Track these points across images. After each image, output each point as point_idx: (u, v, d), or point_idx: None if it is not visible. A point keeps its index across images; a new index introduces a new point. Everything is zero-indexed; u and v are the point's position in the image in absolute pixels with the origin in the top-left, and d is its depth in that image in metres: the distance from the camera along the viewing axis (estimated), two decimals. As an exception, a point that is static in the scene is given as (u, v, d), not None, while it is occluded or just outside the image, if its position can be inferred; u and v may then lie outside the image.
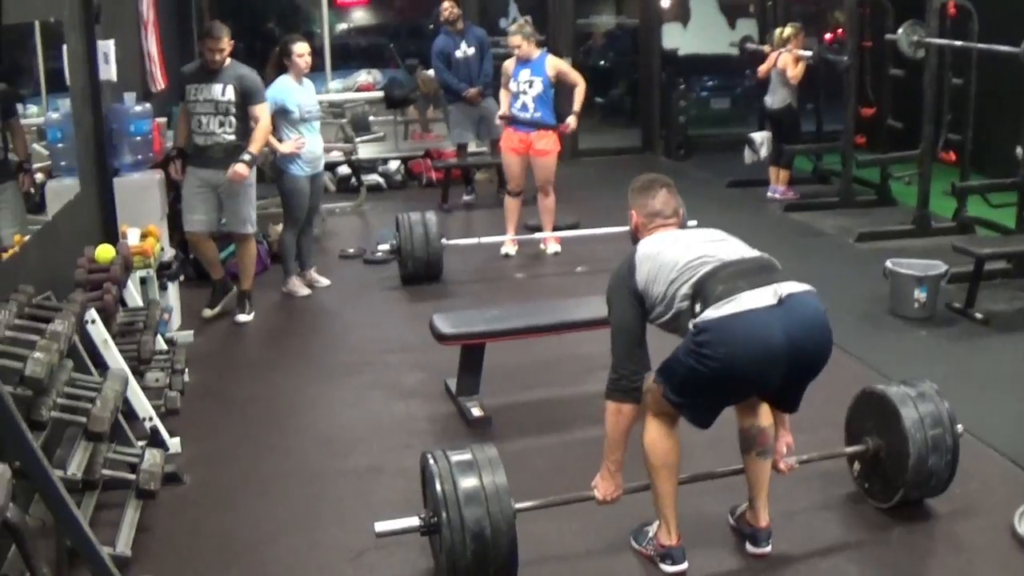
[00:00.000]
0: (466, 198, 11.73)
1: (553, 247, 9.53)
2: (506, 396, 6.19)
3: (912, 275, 7.72)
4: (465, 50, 11.04)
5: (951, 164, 10.59)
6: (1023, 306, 8.18)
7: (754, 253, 4.24)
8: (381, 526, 4.24)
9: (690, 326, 4.01)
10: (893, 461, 4.80)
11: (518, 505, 4.20)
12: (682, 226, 4.49)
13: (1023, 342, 7.43)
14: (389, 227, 9.43)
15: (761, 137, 11.92)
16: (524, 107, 8.94)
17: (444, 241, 8.65)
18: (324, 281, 8.62)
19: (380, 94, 12.96)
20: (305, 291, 8.37)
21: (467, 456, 4.23)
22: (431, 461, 4.23)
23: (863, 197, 11.66)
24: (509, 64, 9.09)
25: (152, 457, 4.78)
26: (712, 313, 3.93)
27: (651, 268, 4.16)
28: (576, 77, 9.12)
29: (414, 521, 4.25)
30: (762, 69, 11.82)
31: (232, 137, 7.40)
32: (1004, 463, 5.59)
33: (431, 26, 11.34)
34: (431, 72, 12.05)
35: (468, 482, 4.10)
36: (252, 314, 7.77)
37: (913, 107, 10.46)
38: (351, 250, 9.65)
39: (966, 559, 4.73)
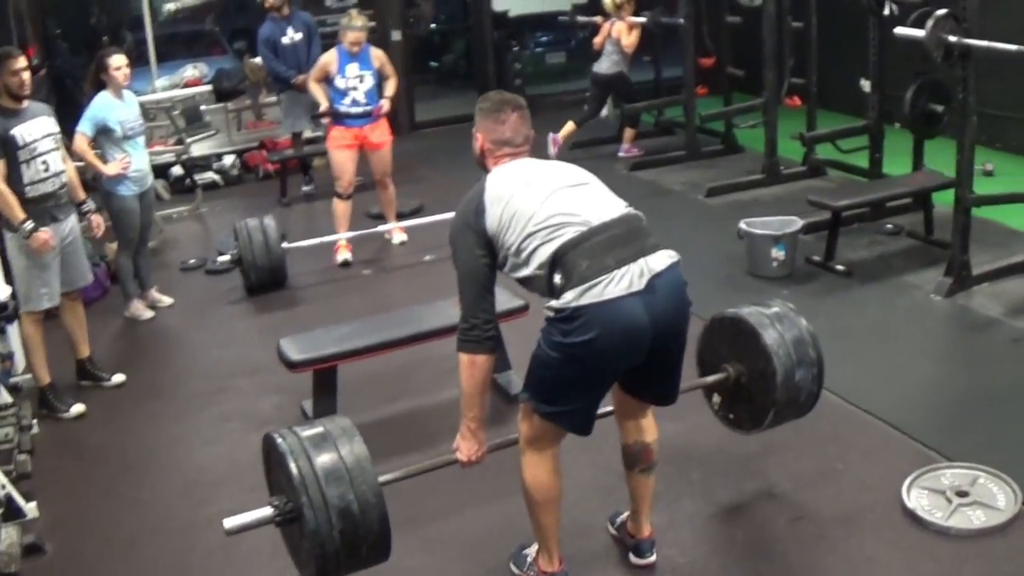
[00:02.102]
0: (305, 189, 11.31)
1: (399, 237, 9.22)
2: (367, 413, 5.86)
3: (768, 235, 7.64)
4: (292, 36, 10.63)
5: (796, 109, 10.57)
6: (883, 251, 8.21)
7: (619, 210, 3.91)
8: (231, 522, 3.80)
9: (550, 309, 3.76)
10: (758, 383, 4.58)
11: (382, 478, 3.85)
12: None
13: (888, 290, 7.44)
14: (229, 230, 8.98)
15: (600, 97, 11.87)
16: (355, 103, 8.53)
17: (285, 245, 8.26)
18: (167, 300, 8.14)
19: (208, 88, 12.48)
20: (148, 314, 7.90)
21: (319, 429, 3.84)
22: (279, 440, 3.77)
23: (709, 147, 11.58)
24: (331, 59, 8.59)
25: (8, 536, 4.53)
26: (575, 299, 3.67)
27: (503, 214, 3.83)
28: (391, 71, 8.76)
29: (267, 511, 3.80)
30: (597, 41, 11.41)
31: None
32: (884, 429, 5.55)
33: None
34: (258, 60, 11.61)
35: (326, 457, 3.70)
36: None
37: (753, 53, 10.41)
38: (192, 260, 9.16)
39: (857, 541, 4.62)
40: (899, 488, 4.89)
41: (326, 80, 8.58)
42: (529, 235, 3.78)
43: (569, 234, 3.74)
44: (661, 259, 3.83)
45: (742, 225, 7.79)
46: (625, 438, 4.36)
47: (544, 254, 3.75)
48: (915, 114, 8.60)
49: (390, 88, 8.68)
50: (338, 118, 8.54)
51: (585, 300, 3.68)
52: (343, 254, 8.82)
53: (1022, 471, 4.93)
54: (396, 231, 9.21)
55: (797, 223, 7.75)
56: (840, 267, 7.66)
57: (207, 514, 5.10)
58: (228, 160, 12.22)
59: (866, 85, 9.31)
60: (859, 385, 5.95)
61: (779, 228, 7.70)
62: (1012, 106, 9.03)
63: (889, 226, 8.55)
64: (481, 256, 3.87)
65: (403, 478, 4.22)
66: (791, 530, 4.74)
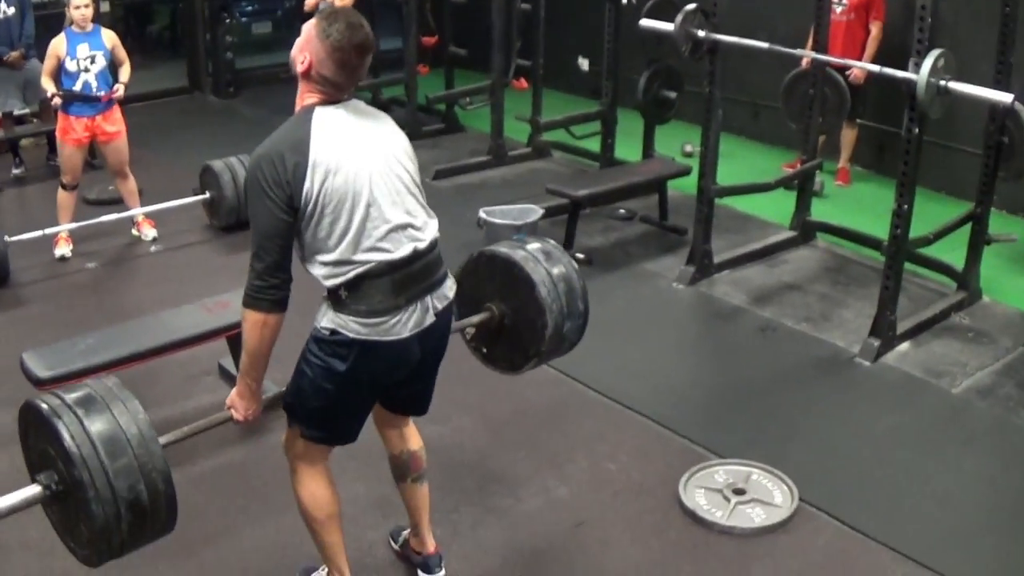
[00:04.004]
0: (15, 172, 10.54)
1: (150, 232, 8.60)
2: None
3: (509, 224, 7.55)
4: (4, 10, 9.87)
5: (523, 91, 10.55)
6: (619, 238, 8.29)
7: (425, 237, 3.64)
8: None
9: (322, 325, 3.60)
10: (526, 331, 4.27)
11: (162, 439, 3.38)
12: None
13: (629, 279, 7.50)
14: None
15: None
16: (87, 86, 7.82)
17: (7, 239, 7.59)
18: None
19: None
20: None
21: (87, 391, 3.33)
22: (43, 406, 3.26)
23: (429, 127, 11.36)
24: (60, 42, 7.83)
25: None
26: (356, 326, 3.53)
27: (326, 191, 3.42)
28: (124, 54, 8.12)
29: (35, 491, 3.28)
30: (309, 3, 11.11)
31: None
32: (649, 425, 5.57)
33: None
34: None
35: (101, 424, 3.20)
36: None
37: (475, 32, 10.34)
38: None
39: (642, 545, 4.61)
40: (675, 488, 4.92)
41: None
42: (342, 237, 3.51)
43: (373, 263, 3.53)
44: (445, 292, 3.78)
45: (482, 214, 7.68)
46: (391, 449, 4.21)
47: (344, 273, 3.53)
48: (648, 100, 8.73)
49: (124, 73, 8.08)
50: (68, 102, 7.82)
51: (366, 335, 3.57)
52: (62, 248, 8.18)
53: (791, 465, 5.05)
54: (146, 226, 8.60)
55: (537, 212, 7.71)
56: (580, 255, 7.62)
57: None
58: (-69, 142, 11.21)
59: (584, 64, 9.39)
60: (617, 380, 5.96)
61: (519, 217, 7.64)
62: (733, 88, 9.23)
63: (622, 211, 8.62)
64: (285, 217, 3.46)
65: (182, 439, 3.71)
66: (575, 536, 4.69)
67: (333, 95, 3.57)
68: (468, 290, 4.39)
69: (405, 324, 3.60)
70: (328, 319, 3.59)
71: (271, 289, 3.47)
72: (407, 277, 3.60)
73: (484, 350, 4.47)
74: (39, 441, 3.35)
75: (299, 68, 3.54)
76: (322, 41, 3.48)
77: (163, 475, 3.27)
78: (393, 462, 4.24)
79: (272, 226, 3.43)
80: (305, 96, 3.60)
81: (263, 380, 3.75)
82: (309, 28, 3.52)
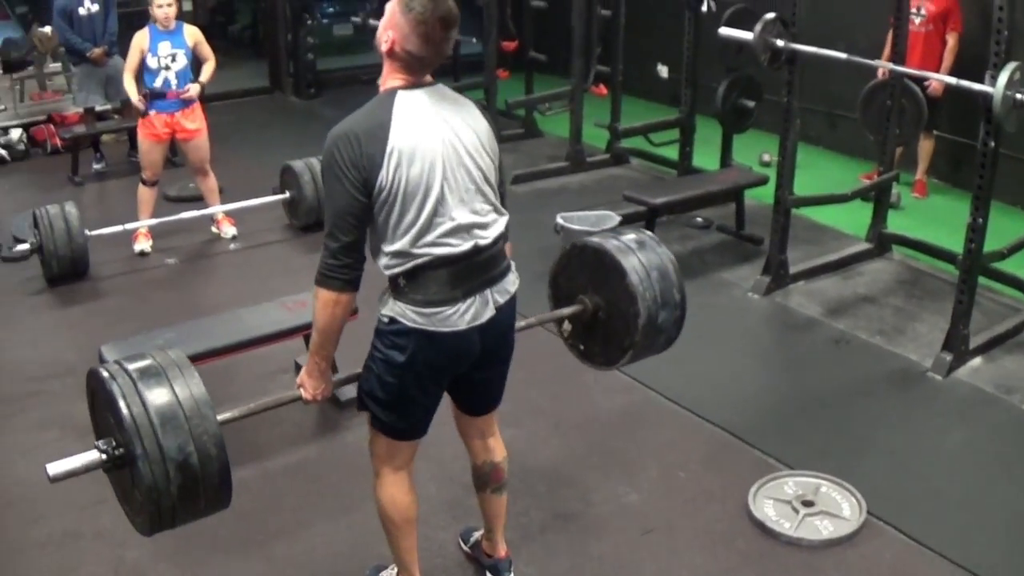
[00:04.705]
0: (96, 167, 10.80)
1: (229, 230, 8.75)
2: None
3: (586, 231, 7.59)
4: (89, 7, 10.12)
5: (602, 97, 10.60)
6: (696, 246, 8.32)
7: (489, 235, 3.64)
8: (55, 468, 3.35)
9: (382, 313, 3.65)
10: (618, 322, 4.19)
11: (221, 416, 3.43)
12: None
13: (706, 288, 7.49)
14: (20, 210, 8.70)
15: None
16: (167, 83, 7.96)
17: (88, 233, 7.78)
18: None
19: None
20: (-60, 306, 7.39)
21: (147, 361, 3.40)
22: (102, 373, 3.35)
23: (509, 131, 11.44)
24: (143, 38, 7.94)
25: None
26: (413, 315, 3.57)
27: (399, 181, 3.42)
28: (209, 52, 8.22)
29: (94, 456, 3.36)
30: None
31: None
32: (720, 434, 5.60)
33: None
34: (47, 29, 11.12)
35: (161, 399, 3.26)
36: None
37: (555, 38, 10.40)
38: None
39: (710, 554, 4.64)
40: (744, 497, 4.94)
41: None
42: (408, 229, 3.51)
43: (433, 255, 3.55)
44: (507, 287, 3.78)
45: (559, 220, 7.74)
46: (474, 459, 4.25)
47: (407, 263, 3.55)
48: (727, 109, 8.76)
49: (206, 72, 8.18)
50: (153, 99, 7.98)
51: (424, 325, 3.59)
52: (141, 243, 8.38)
53: (860, 478, 5.05)
54: (225, 224, 8.75)
55: (614, 219, 7.76)
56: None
57: (36, 537, 4.83)
58: (15, 134, 11.53)
59: (663, 70, 9.42)
60: (689, 388, 6.00)
61: (596, 223, 7.65)
62: (809, 98, 9.19)
63: (699, 220, 8.66)
64: (361, 198, 3.47)
65: (244, 416, 3.76)
66: (644, 543, 4.73)
67: (418, 72, 3.55)
68: (563, 285, 4.39)
69: (462, 316, 3.61)
70: (388, 307, 3.63)
71: (344, 268, 3.49)
72: (466, 270, 3.60)
73: (581, 347, 4.43)
74: (101, 407, 3.44)
75: (383, 47, 3.51)
76: (405, 15, 3.43)
77: (215, 439, 3.30)
78: (475, 472, 4.27)
79: (347, 206, 3.44)
80: (389, 76, 3.57)
81: (332, 360, 3.79)
82: (392, 5, 3.49)
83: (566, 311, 4.32)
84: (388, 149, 3.41)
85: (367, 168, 3.41)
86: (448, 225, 3.54)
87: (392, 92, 3.52)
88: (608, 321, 4.25)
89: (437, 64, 3.57)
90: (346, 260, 3.49)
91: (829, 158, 10.51)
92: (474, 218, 3.60)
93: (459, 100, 3.65)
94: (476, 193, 3.61)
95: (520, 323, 4.12)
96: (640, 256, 4.17)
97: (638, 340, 4.15)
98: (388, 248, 3.55)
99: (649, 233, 4.37)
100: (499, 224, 3.72)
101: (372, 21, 12.09)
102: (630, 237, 4.28)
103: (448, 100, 3.61)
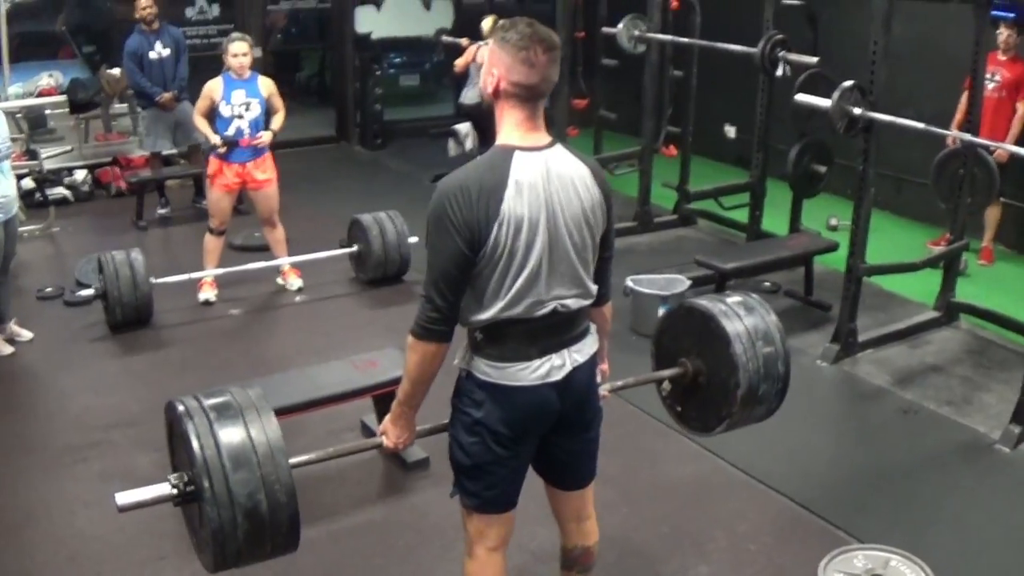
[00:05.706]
0: (161, 212, 10.83)
1: (295, 282, 8.71)
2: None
3: (655, 294, 7.57)
4: (160, 51, 10.23)
5: (672, 158, 10.56)
6: (763, 311, 8.21)
7: (572, 306, 3.56)
8: (124, 498, 3.38)
9: (457, 364, 3.61)
10: (717, 390, 4.14)
11: (293, 460, 3.46)
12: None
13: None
14: (84, 254, 8.76)
15: (466, 129, 11.30)
16: (240, 132, 7.96)
17: (153, 280, 7.77)
18: (26, 334, 7.60)
19: (63, 98, 11.90)
20: (7, 349, 7.38)
21: (226, 398, 3.45)
22: (179, 408, 3.39)
23: (579, 191, 11.42)
24: (216, 85, 7.99)
25: None
26: (486, 368, 3.53)
27: (504, 248, 3.36)
28: (280, 103, 8.22)
29: (165, 488, 3.39)
30: (460, 63, 11.23)
31: None
32: (789, 506, 5.54)
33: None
34: (116, 71, 11.22)
35: (232, 436, 3.30)
36: None
37: (624, 96, 10.37)
38: (49, 289, 8.57)
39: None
40: (814, 571, 4.83)
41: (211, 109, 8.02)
42: (494, 295, 3.46)
43: (513, 312, 3.48)
44: (584, 348, 3.69)
45: (628, 283, 7.71)
46: (565, 541, 4.14)
47: (489, 314, 3.49)
48: (798, 173, 8.70)
49: (276, 121, 8.17)
50: (230, 150, 7.97)
51: (499, 379, 3.54)
52: (207, 292, 8.35)
53: (929, 551, 4.94)
54: (291, 275, 8.71)
55: (683, 283, 7.72)
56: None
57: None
58: (79, 175, 11.61)
59: (731, 131, 9.38)
60: (759, 459, 5.91)
61: (665, 287, 7.65)
62: (877, 162, 9.11)
63: (767, 284, 8.56)
64: (469, 254, 3.39)
65: (318, 460, 3.78)
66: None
67: (532, 105, 3.45)
68: (667, 344, 4.35)
69: (535, 372, 3.54)
70: (463, 359, 3.61)
71: (444, 322, 3.46)
72: (543, 330, 3.55)
73: (678, 408, 4.37)
74: (176, 441, 3.47)
75: (489, 89, 3.46)
76: (504, 47, 3.39)
77: (286, 488, 3.31)
78: (565, 554, 4.16)
79: (455, 262, 3.37)
80: (505, 121, 3.49)
81: (417, 410, 3.74)
82: (489, 47, 3.47)
83: (665, 373, 4.29)
84: (501, 214, 3.34)
85: (478, 228, 3.34)
86: (535, 298, 3.49)
87: (509, 152, 3.44)
88: (708, 387, 4.20)
89: (547, 92, 3.46)
90: (448, 315, 3.46)
91: (895, 223, 10.40)
92: (563, 292, 3.55)
93: (575, 166, 3.52)
94: (572, 267, 3.54)
95: (617, 383, 4.12)
96: (747, 322, 4.11)
97: (736, 411, 4.12)
98: (474, 309, 3.51)
99: (757, 297, 4.31)
100: (585, 295, 3.64)
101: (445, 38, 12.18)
102: (736, 300, 4.23)
103: (565, 164, 3.50)
